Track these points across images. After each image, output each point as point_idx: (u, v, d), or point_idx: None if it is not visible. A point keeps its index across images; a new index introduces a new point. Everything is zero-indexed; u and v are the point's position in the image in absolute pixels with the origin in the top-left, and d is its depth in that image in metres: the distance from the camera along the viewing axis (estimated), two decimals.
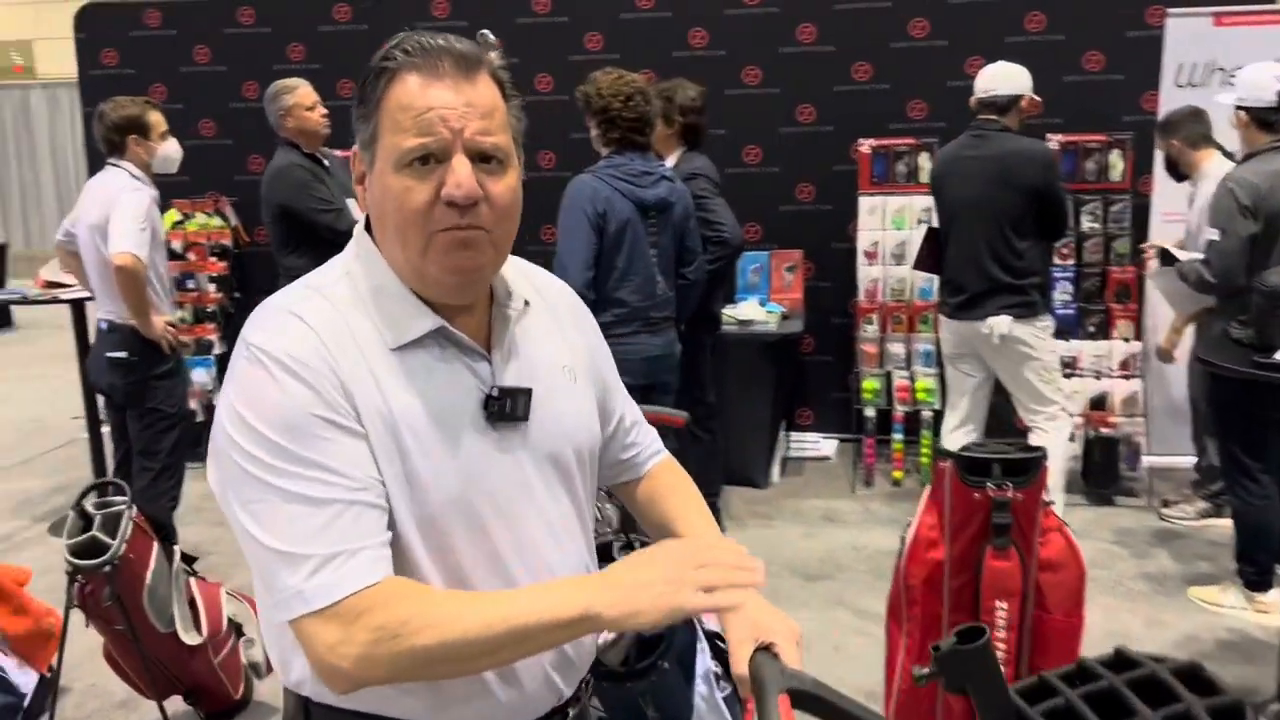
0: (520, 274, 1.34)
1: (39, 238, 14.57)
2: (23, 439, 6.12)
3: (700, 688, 2.62)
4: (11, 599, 3.06)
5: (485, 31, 4.33)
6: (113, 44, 6.09)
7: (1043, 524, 2.54)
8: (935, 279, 4.91)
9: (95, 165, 5.89)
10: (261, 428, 1.08)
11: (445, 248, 1.13)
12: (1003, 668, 2.56)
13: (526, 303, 1.29)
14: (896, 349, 5.01)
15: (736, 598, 1.07)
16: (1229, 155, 4.03)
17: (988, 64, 5.07)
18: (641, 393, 3.69)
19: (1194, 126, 4.16)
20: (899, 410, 4.93)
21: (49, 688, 3.14)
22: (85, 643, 2.98)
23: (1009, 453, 2.53)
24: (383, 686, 1.11)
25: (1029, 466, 2.51)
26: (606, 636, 2.28)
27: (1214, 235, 3.46)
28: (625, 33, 5.53)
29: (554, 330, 1.34)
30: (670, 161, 4.04)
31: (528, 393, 1.22)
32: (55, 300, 4.73)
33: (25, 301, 5.28)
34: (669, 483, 1.51)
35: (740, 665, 1.22)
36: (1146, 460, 4.81)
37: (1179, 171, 4.26)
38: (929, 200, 4.91)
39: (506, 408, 1.20)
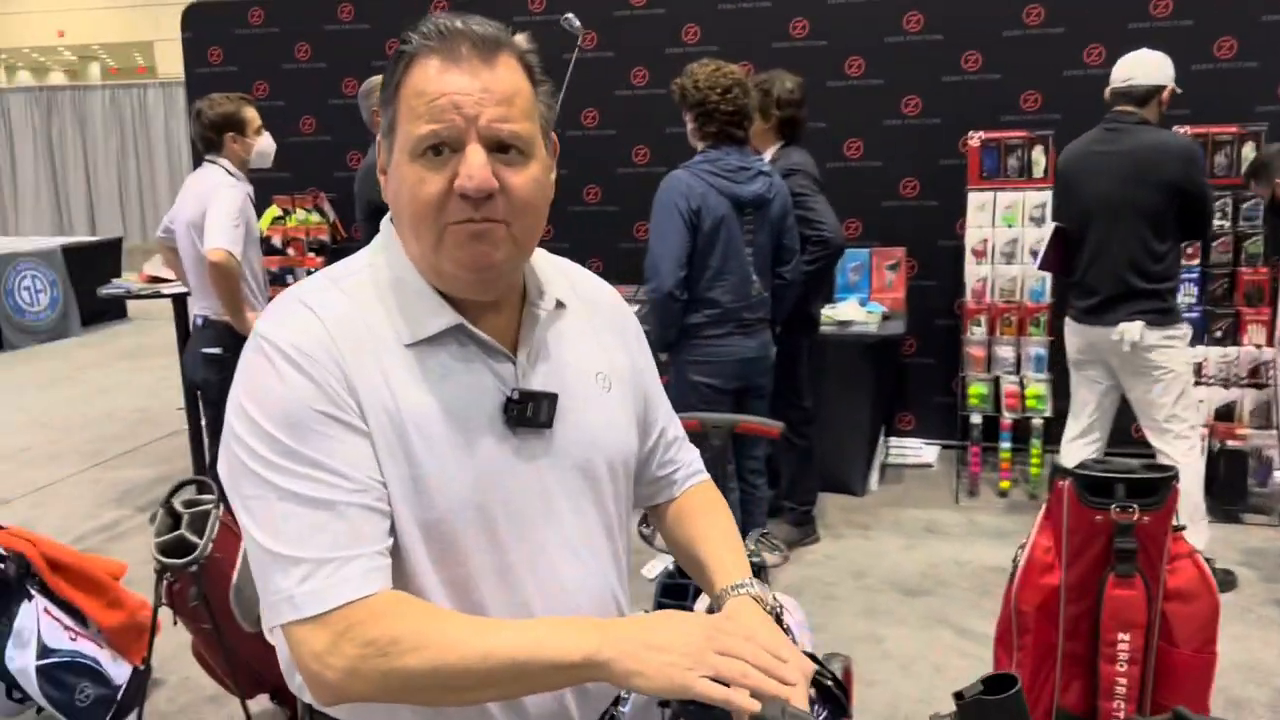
0: (558, 272, 1.27)
1: (154, 232, 15.11)
2: (129, 429, 6.30)
3: None
4: (107, 591, 3.09)
5: (570, 15, 4.21)
6: (218, 42, 6.21)
7: (1172, 550, 2.33)
8: (1047, 279, 4.67)
9: (199, 161, 6.03)
10: (262, 421, 1.04)
11: (458, 241, 1.07)
12: (1125, 705, 2.38)
13: (560, 303, 1.22)
14: (1005, 352, 4.76)
15: (745, 703, 0.95)
16: None
17: (1107, 52, 4.84)
18: (734, 397, 3.58)
19: None
20: (1007, 417, 4.69)
21: (142, 679, 3.17)
22: (179, 637, 2.99)
23: (1135, 472, 2.34)
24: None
25: (1157, 487, 2.31)
26: None
27: None
28: (723, 24, 5.38)
29: (589, 334, 1.26)
30: (767, 157, 3.89)
31: (553, 398, 1.15)
32: (156, 295, 4.82)
33: (129, 296, 5.41)
34: (702, 504, 1.41)
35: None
36: (1278, 475, 4.47)
37: None
38: (1042, 196, 4.69)
39: (528, 412, 1.13)
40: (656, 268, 3.37)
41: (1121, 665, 2.31)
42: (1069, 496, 2.34)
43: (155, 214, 15.10)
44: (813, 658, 2.61)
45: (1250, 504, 4.46)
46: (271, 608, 1.03)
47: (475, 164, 1.04)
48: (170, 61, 15.58)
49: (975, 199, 4.87)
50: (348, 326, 1.08)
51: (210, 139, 3.72)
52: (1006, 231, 4.81)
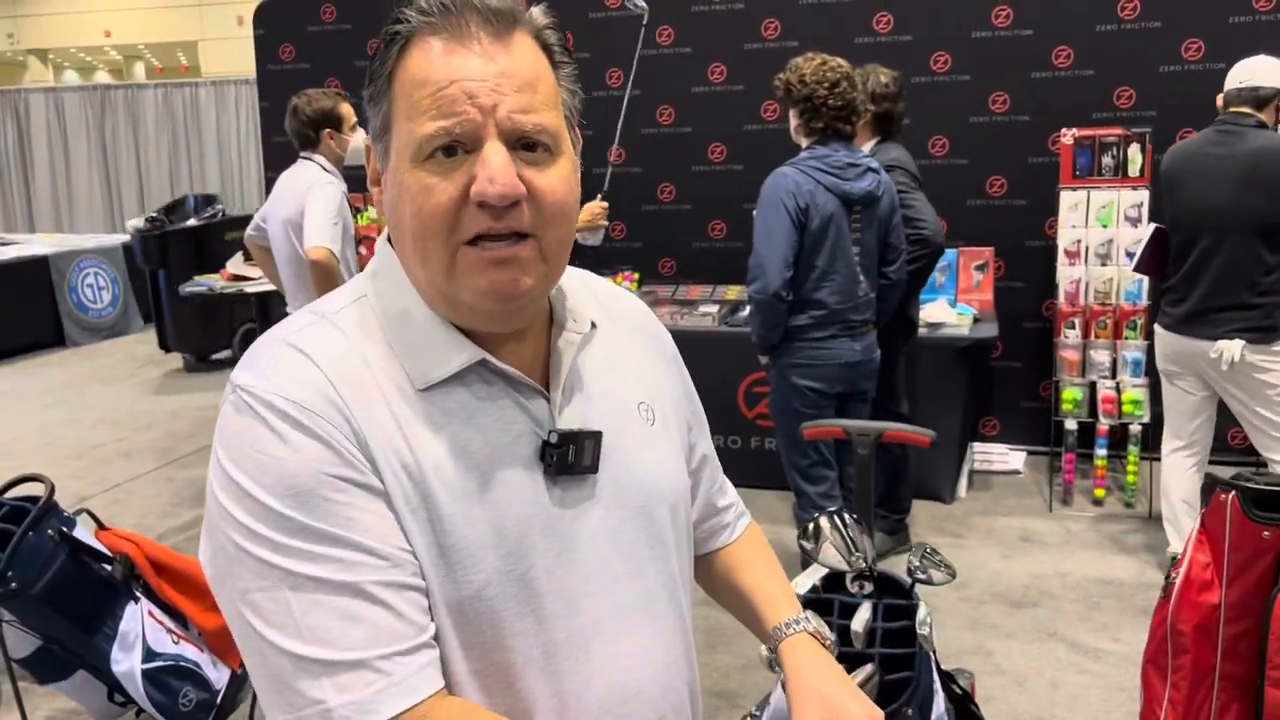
0: (585, 288, 1.08)
1: None
2: (197, 427, 6.29)
3: None
4: (208, 594, 3.03)
5: None
6: (290, 39, 6.18)
7: None
8: (1144, 281, 4.53)
9: (273, 159, 6.00)
10: (260, 495, 0.84)
11: (475, 267, 0.88)
12: None
13: (593, 325, 1.03)
14: (1100, 356, 4.62)
15: None
16: None
17: (1207, 47, 4.69)
18: (838, 401, 3.47)
19: None
20: (1104, 423, 4.54)
21: (239, 684, 3.12)
22: None
23: None
24: None
25: None
26: (858, 677, 2.07)
27: None
28: (804, 19, 5.28)
29: (626, 358, 1.07)
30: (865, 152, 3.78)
31: (597, 436, 0.96)
32: (241, 294, 4.79)
33: (213, 294, 5.38)
34: (753, 546, 1.26)
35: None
36: None
37: None
38: (1138, 195, 4.55)
39: (570, 456, 0.94)
40: (763, 267, 3.27)
41: None
42: (1233, 511, 2.22)
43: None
44: (943, 673, 2.49)
45: None
46: None
47: (496, 165, 0.85)
48: (214, 61, 15.66)
49: (1068, 198, 4.72)
50: (348, 370, 0.89)
51: (308, 135, 3.67)
52: (1101, 232, 4.67)
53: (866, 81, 3.90)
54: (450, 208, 0.86)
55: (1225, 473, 2.35)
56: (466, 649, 0.90)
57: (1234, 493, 2.24)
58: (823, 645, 1.13)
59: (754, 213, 3.39)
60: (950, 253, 5.02)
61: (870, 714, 1.01)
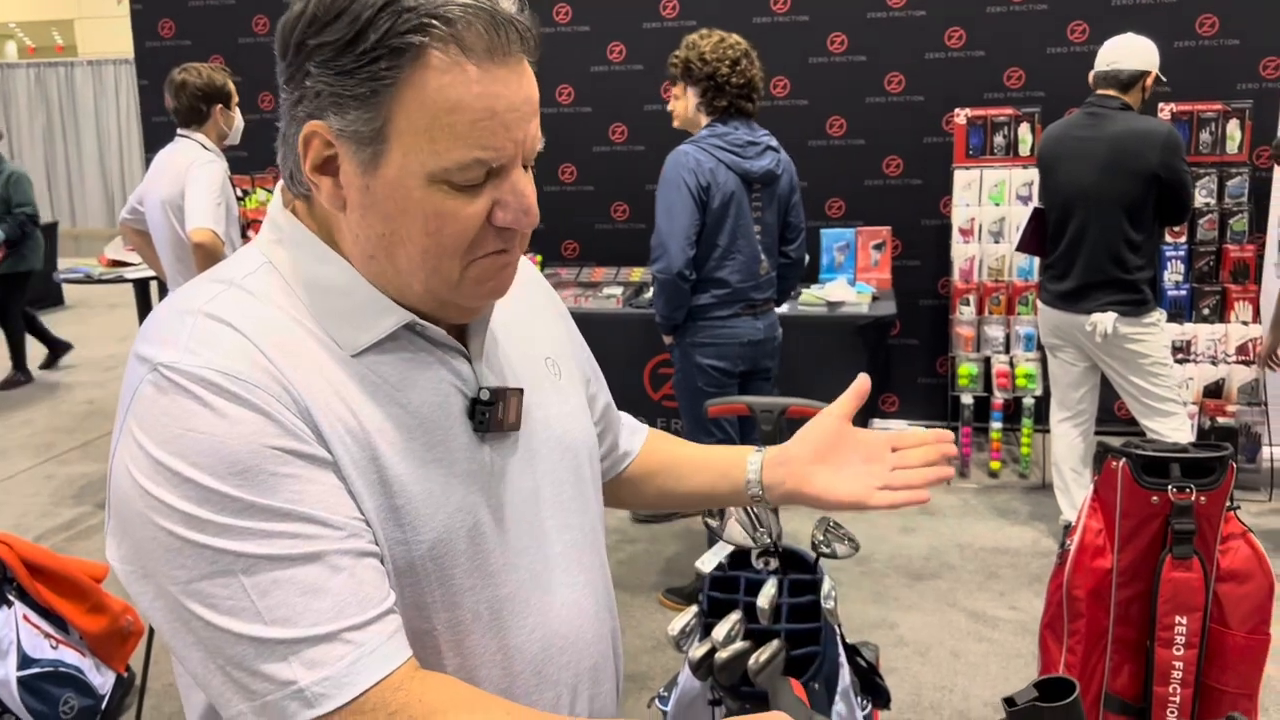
0: None
1: (83, 216, 14.55)
2: (77, 422, 6.00)
3: (839, 707, 2.40)
4: (89, 596, 2.90)
5: None
6: (169, 14, 5.91)
7: (1224, 530, 2.29)
8: (1036, 258, 4.65)
9: (154, 139, 5.73)
10: (199, 477, 0.79)
11: (485, 274, 0.90)
12: (1180, 689, 2.33)
13: None
14: (994, 332, 4.73)
15: None
16: None
17: (1091, 29, 4.82)
18: (742, 379, 3.47)
19: None
20: (999, 397, 4.66)
21: (125, 688, 2.98)
22: (161, 640, 2.80)
23: (1190, 451, 2.29)
24: None
25: (1214, 467, 2.26)
26: (759, 658, 2.06)
27: None
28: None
29: (528, 315, 1.09)
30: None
31: (519, 393, 0.97)
32: (120, 279, 4.56)
33: (90, 280, 5.11)
34: (663, 441, 1.33)
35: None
36: (1266, 452, 4.51)
37: None
38: (1029, 174, 4.66)
39: (499, 413, 0.94)
40: (665, 246, 3.25)
41: (1178, 649, 2.26)
42: (1124, 478, 2.28)
43: (84, 198, 14.54)
44: (849, 647, 2.50)
45: (1239, 481, 4.48)
46: (270, 709, 0.78)
47: (529, 194, 0.88)
48: (92, 41, 14.94)
49: (961, 177, 4.82)
50: (278, 335, 0.85)
51: (198, 109, 3.48)
52: (994, 210, 4.78)
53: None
54: (474, 230, 0.86)
55: (1115, 443, 2.41)
56: (418, 609, 0.89)
57: (1124, 460, 2.30)
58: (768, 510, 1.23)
59: (655, 192, 3.36)
60: (849, 232, 5.08)
61: (877, 438, 1.12)
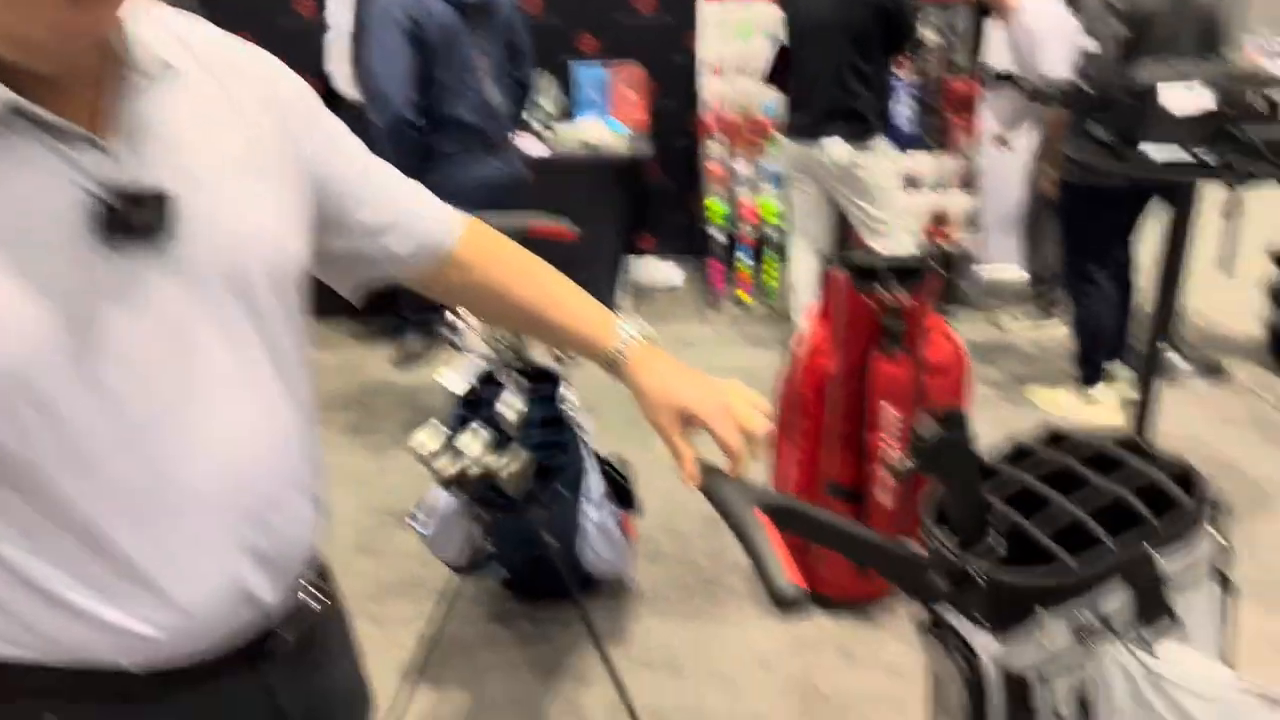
0: (165, 28, 0.91)
1: None
2: None
3: (590, 512, 2.53)
4: None
5: None
6: None
7: (929, 328, 2.52)
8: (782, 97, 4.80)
9: None
10: None
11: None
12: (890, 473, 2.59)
13: (168, 65, 0.89)
14: (742, 168, 4.89)
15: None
16: None
17: None
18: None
19: None
20: (746, 231, 4.86)
21: None
22: None
23: (900, 260, 2.51)
24: None
25: (920, 271, 2.48)
26: (509, 469, 2.13)
27: (1092, 48, 3.40)
28: None
29: (222, 109, 0.93)
30: None
31: (165, 193, 0.85)
32: None
33: None
34: (498, 244, 1.20)
35: (661, 428, 1.17)
36: (976, 269, 4.96)
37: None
38: (776, 10, 4.74)
39: (132, 216, 0.82)
40: (381, 90, 3.10)
41: (888, 435, 2.50)
42: (844, 285, 2.46)
43: None
44: (601, 459, 2.62)
45: (959, 298, 4.92)
46: None
47: None
48: None
49: (710, 13, 4.86)
50: None
51: None
52: (741, 47, 4.86)
53: None
54: None
55: None
56: (20, 436, 0.80)
57: (846, 270, 2.48)
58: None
59: (359, 36, 3.18)
60: (604, 71, 5.05)
61: (716, 400, 1.15)
